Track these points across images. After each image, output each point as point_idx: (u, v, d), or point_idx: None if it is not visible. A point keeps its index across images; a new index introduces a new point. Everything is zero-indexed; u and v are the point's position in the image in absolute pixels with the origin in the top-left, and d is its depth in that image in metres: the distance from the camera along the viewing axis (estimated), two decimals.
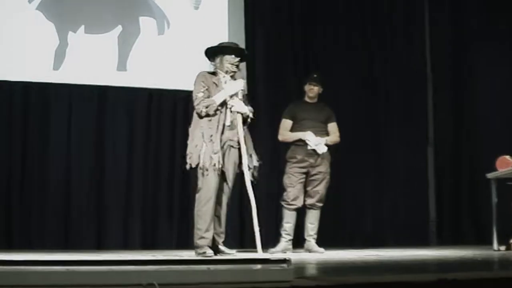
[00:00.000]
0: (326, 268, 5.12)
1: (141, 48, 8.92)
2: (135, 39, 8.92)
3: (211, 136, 6.37)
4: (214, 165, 6.33)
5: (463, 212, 9.97)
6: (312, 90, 7.84)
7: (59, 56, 8.62)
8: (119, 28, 8.90)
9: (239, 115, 6.55)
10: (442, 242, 9.67)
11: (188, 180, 8.89)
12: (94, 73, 8.70)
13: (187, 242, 8.43)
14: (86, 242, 8.46)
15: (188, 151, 6.48)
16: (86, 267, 3.68)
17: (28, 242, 8.26)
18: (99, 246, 8.50)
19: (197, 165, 6.38)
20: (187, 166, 6.47)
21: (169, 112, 9.06)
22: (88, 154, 8.70)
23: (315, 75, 7.90)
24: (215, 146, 6.36)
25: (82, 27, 8.74)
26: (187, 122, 9.03)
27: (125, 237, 8.71)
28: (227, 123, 6.50)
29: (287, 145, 7.76)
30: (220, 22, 9.21)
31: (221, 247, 6.55)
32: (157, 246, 8.64)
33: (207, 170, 6.32)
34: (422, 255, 6.74)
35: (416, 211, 9.90)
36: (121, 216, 8.73)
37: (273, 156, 8.67)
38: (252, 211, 6.51)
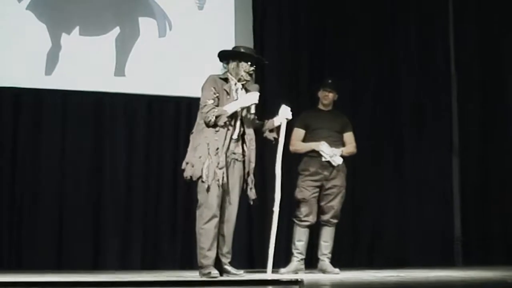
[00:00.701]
0: None
1: (141, 51, 8.92)
2: (134, 41, 8.93)
3: (217, 149, 6.34)
4: (218, 180, 6.31)
5: (492, 228, 9.88)
6: (326, 97, 7.80)
7: (52, 60, 8.63)
8: (117, 30, 8.90)
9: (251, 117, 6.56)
10: (469, 262, 9.61)
11: (192, 194, 8.86)
12: (90, 78, 8.70)
13: (192, 262, 8.40)
14: (81, 262, 8.44)
15: (188, 160, 6.43)
16: None
17: (18, 262, 8.25)
18: (95, 267, 8.48)
19: (199, 178, 6.34)
20: (185, 175, 6.40)
21: (171, 121, 9.05)
22: (83, 166, 8.69)
23: (329, 81, 7.86)
24: (221, 161, 6.34)
25: (77, 28, 8.75)
26: (190, 131, 9.05)
27: (124, 256, 8.69)
28: (235, 136, 6.48)
29: (299, 156, 7.73)
30: (226, 23, 9.19)
31: (228, 267, 6.51)
32: (158, 266, 8.63)
33: (210, 185, 6.29)
34: (446, 276, 6.70)
35: (440, 228, 9.85)
36: (119, 234, 8.72)
37: (284, 168, 8.62)
38: (273, 226, 6.59)
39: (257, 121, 6.74)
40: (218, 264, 6.43)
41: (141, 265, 8.62)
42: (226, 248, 6.51)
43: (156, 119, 9.03)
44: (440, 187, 9.97)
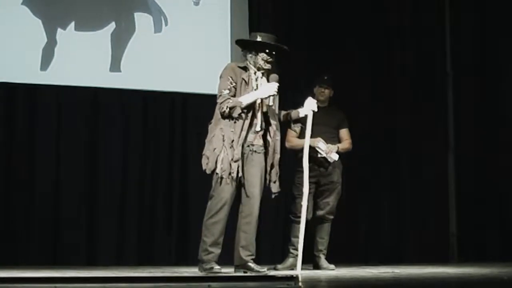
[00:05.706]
0: (337, 287, 5.11)
1: (137, 47, 8.93)
2: (129, 37, 8.93)
3: (232, 141, 6.23)
4: (232, 173, 6.21)
5: (488, 225, 9.91)
6: (322, 93, 7.81)
7: (47, 56, 8.63)
8: (112, 25, 8.91)
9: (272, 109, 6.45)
10: (464, 258, 9.65)
11: (187, 189, 8.90)
12: (85, 74, 8.70)
13: (187, 258, 8.45)
14: (76, 258, 8.46)
15: (204, 151, 6.34)
16: (76, 284, 3.68)
17: (13, 258, 8.24)
18: (90, 262, 8.50)
19: (213, 171, 6.26)
20: (204, 170, 6.33)
21: (166, 116, 9.06)
22: (78, 162, 8.70)
23: (325, 77, 7.88)
24: (236, 153, 6.23)
25: (72, 24, 8.75)
26: (186, 127, 9.07)
27: (119, 252, 8.73)
28: (257, 128, 6.37)
29: (295, 153, 7.74)
30: (222, 18, 9.19)
31: (250, 264, 6.34)
32: (154, 262, 8.63)
33: (222, 178, 6.20)
34: (442, 273, 6.72)
35: (436, 224, 9.88)
36: (114, 229, 8.75)
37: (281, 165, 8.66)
38: (301, 220, 6.52)
39: (282, 111, 6.66)
40: (239, 262, 6.33)
41: (136, 261, 8.63)
42: (247, 244, 6.35)
43: (151, 115, 9.03)
44: (436, 184, 9.99)
